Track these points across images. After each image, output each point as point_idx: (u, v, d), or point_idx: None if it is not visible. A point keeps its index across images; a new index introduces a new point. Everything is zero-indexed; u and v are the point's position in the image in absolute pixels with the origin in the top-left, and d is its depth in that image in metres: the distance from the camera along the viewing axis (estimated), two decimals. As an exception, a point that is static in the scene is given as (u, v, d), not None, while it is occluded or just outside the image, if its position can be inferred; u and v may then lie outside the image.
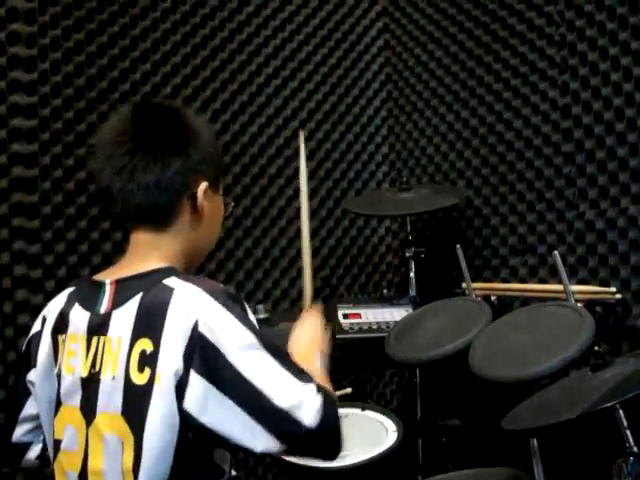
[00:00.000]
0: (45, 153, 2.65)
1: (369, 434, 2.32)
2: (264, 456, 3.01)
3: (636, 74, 2.50)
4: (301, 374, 1.49)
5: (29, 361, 1.71)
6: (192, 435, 1.47)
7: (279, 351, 1.51)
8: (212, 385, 1.43)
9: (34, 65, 2.62)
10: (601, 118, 2.62)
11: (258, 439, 1.44)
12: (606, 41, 2.59)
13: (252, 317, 1.54)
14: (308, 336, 1.81)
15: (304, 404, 1.44)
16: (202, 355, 1.43)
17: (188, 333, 1.44)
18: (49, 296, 2.57)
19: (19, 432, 1.77)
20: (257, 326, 1.52)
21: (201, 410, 1.43)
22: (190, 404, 1.43)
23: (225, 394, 1.43)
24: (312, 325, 1.86)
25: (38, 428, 1.74)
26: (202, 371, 1.43)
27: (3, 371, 2.55)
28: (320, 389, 1.48)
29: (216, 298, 1.49)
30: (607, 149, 2.60)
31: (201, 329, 1.44)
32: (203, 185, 1.62)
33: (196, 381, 1.43)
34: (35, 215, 2.62)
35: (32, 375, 1.70)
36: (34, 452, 1.78)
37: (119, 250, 2.81)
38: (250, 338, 1.47)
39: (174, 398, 1.44)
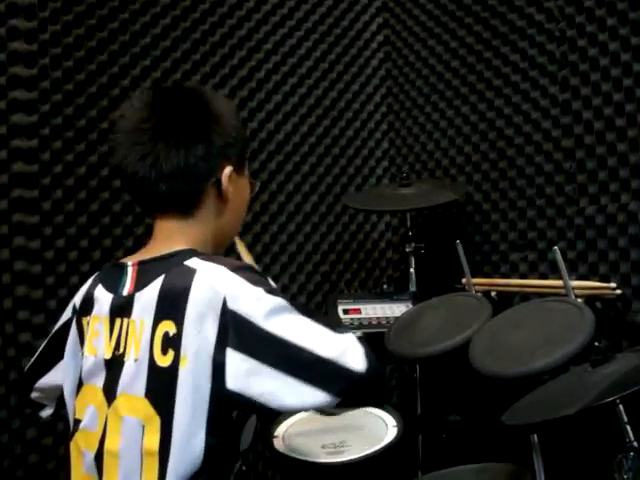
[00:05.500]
0: (45, 149, 2.65)
1: (369, 430, 2.32)
2: (264, 450, 3.02)
3: (636, 70, 2.50)
4: (334, 327, 1.52)
5: (56, 353, 1.74)
6: (236, 415, 1.49)
7: (310, 310, 1.53)
8: (253, 359, 1.43)
9: (34, 61, 2.62)
10: (601, 114, 2.62)
11: (311, 398, 1.45)
12: (606, 37, 2.59)
13: (276, 286, 1.56)
14: None
15: (349, 351, 1.47)
16: (237, 332, 1.43)
17: (218, 312, 1.44)
18: (49, 292, 2.61)
19: (34, 395, 1.85)
20: (282, 293, 1.53)
21: (246, 387, 1.43)
22: (233, 383, 1.43)
23: (268, 364, 1.43)
24: None
25: (49, 398, 1.81)
26: (240, 347, 1.43)
27: (3, 367, 2.55)
28: (358, 338, 1.51)
29: (240, 274, 1.49)
30: (607, 145, 2.60)
31: (231, 306, 1.44)
32: (227, 170, 1.62)
33: (235, 359, 1.43)
34: (35, 211, 2.62)
35: (59, 366, 1.73)
36: (46, 412, 1.86)
37: (120, 245, 2.82)
38: (279, 303, 1.48)
39: (209, 380, 1.44)
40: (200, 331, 1.44)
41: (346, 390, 1.47)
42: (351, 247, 3.53)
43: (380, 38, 3.66)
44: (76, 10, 2.76)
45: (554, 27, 2.81)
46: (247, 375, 1.43)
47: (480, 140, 3.17)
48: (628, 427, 1.91)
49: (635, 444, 1.88)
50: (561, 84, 2.78)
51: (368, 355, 1.49)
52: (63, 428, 1.69)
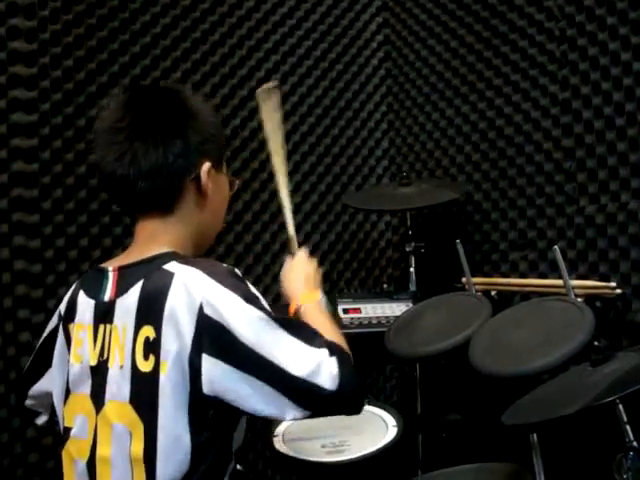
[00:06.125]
0: (45, 148, 2.65)
1: (369, 429, 2.32)
2: (264, 449, 3.02)
3: (636, 69, 2.50)
4: (312, 339, 1.50)
5: (46, 360, 1.73)
6: (212, 415, 1.48)
7: (287, 321, 1.53)
8: (228, 365, 1.43)
9: (34, 60, 2.62)
10: (601, 113, 2.62)
11: (283, 409, 1.45)
12: (606, 36, 2.59)
13: (256, 292, 1.54)
14: (301, 279, 1.83)
15: (321, 369, 1.45)
16: (212, 337, 1.43)
17: (194, 317, 1.44)
18: (49, 291, 2.61)
19: (28, 402, 1.85)
20: (262, 300, 1.52)
21: (221, 391, 1.44)
22: (209, 387, 1.44)
23: (243, 371, 1.43)
24: (303, 266, 1.88)
25: (42, 406, 1.81)
26: (215, 353, 1.43)
27: (3, 366, 2.55)
28: (333, 350, 1.49)
29: (217, 279, 1.49)
30: (607, 144, 2.60)
31: (207, 311, 1.44)
32: (206, 166, 1.62)
33: (210, 364, 1.43)
34: (35, 210, 2.62)
35: (48, 374, 1.73)
36: (41, 419, 1.87)
37: (120, 244, 2.82)
38: (256, 313, 1.47)
39: (187, 384, 1.44)
40: (178, 336, 1.45)
41: (316, 406, 1.48)
42: (351, 246, 3.53)
43: (380, 37, 3.65)
44: (76, 9, 2.76)
45: (554, 26, 2.81)
46: (221, 380, 1.44)
47: (480, 139, 3.17)
48: (628, 427, 1.91)
49: (635, 444, 1.88)
50: (561, 83, 2.78)
51: (341, 371, 1.47)
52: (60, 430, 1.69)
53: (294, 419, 1.49)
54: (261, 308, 1.49)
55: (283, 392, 1.44)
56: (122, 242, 2.82)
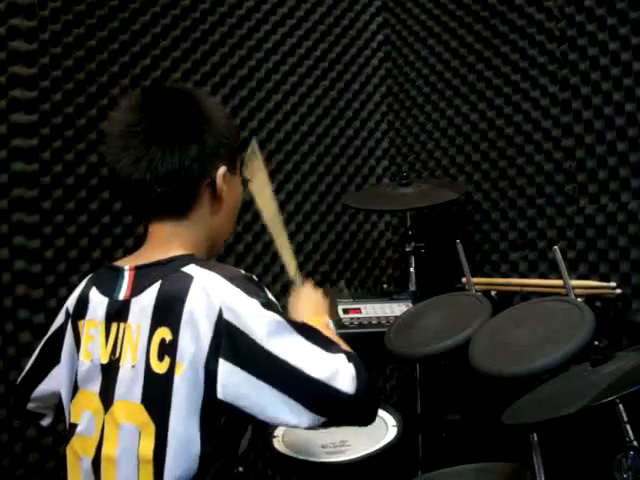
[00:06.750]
0: (45, 148, 2.66)
1: (369, 429, 2.30)
2: (264, 450, 3.02)
3: (636, 69, 2.50)
4: (329, 345, 1.51)
5: (51, 359, 1.73)
6: (224, 422, 1.48)
7: (304, 327, 1.53)
8: (244, 371, 1.43)
9: (34, 60, 2.63)
10: (601, 113, 2.62)
11: (298, 416, 1.45)
12: (606, 36, 2.59)
13: (273, 298, 1.54)
14: (308, 307, 1.82)
15: (339, 373, 1.46)
16: (230, 342, 1.43)
17: (213, 321, 1.44)
18: (49, 291, 2.61)
19: (31, 405, 1.83)
20: (279, 306, 1.53)
21: (235, 397, 1.43)
22: (224, 392, 1.43)
23: (260, 378, 1.43)
24: (309, 295, 1.88)
25: (47, 407, 1.81)
26: (232, 358, 1.43)
27: (3, 366, 2.56)
28: (350, 357, 1.51)
29: (236, 284, 1.49)
30: (607, 144, 2.60)
31: (226, 316, 1.44)
32: (222, 170, 1.62)
33: (227, 369, 1.43)
34: (35, 210, 2.63)
35: (55, 371, 1.72)
36: (46, 421, 1.86)
37: (120, 244, 2.82)
38: (275, 319, 1.47)
39: (202, 387, 1.44)
40: (195, 339, 1.44)
41: (333, 412, 1.48)
42: (351, 246, 3.52)
43: (380, 37, 3.65)
44: (76, 9, 2.76)
45: (554, 26, 2.81)
46: (237, 386, 1.43)
47: (480, 139, 3.17)
48: (628, 426, 1.91)
49: (635, 443, 1.88)
50: (561, 83, 2.78)
51: (359, 377, 1.48)
52: (63, 428, 1.69)
53: (308, 427, 1.48)
54: (279, 313, 1.49)
55: (300, 398, 1.44)
56: (122, 242, 2.82)
